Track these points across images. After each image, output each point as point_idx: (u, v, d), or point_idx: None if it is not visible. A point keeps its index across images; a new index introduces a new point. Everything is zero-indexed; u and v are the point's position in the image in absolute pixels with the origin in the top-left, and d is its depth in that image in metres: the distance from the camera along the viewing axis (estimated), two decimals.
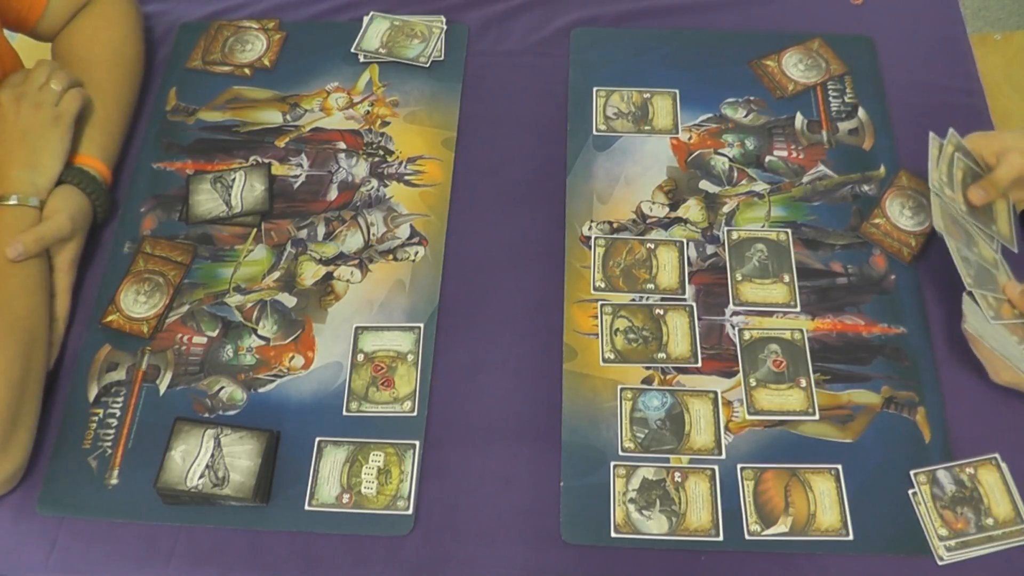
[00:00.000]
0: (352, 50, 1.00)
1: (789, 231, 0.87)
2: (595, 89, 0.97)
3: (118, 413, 0.79)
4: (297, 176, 0.92)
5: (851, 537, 0.72)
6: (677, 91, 0.96)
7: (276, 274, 0.86)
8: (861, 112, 0.94)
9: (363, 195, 0.91)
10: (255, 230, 0.89)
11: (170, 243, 0.88)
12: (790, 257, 0.85)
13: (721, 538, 0.72)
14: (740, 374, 0.79)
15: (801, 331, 0.81)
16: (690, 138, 0.93)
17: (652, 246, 0.86)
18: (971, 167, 0.81)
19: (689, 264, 0.85)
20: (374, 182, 0.91)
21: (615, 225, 0.88)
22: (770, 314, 0.83)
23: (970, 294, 0.75)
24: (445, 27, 1.01)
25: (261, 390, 0.80)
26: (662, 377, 0.79)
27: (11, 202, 0.79)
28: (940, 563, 0.70)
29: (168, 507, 0.74)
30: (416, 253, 0.87)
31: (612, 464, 0.75)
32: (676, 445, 0.76)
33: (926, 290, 0.83)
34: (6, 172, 0.80)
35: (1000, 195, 0.81)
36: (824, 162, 0.91)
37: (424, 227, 0.88)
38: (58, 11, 0.92)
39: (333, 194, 0.91)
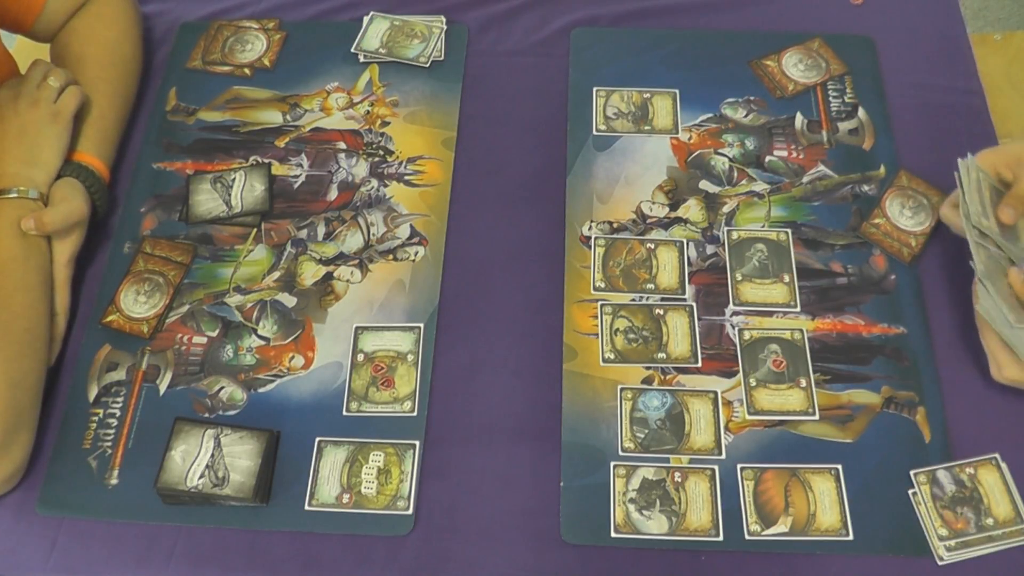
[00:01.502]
0: (352, 50, 1.00)
1: (789, 231, 0.87)
2: (595, 89, 0.97)
3: (118, 413, 0.79)
4: (297, 176, 0.92)
5: (851, 537, 0.72)
6: (677, 91, 0.96)
7: (276, 274, 0.86)
8: (861, 112, 0.94)
9: (363, 195, 0.91)
10: (255, 230, 0.89)
11: (170, 243, 0.88)
12: (790, 257, 0.85)
13: (721, 538, 0.72)
14: (740, 374, 0.79)
15: (801, 331, 0.81)
16: (690, 138, 0.93)
17: (652, 246, 0.86)
18: (993, 185, 0.80)
19: (689, 264, 0.85)
20: (374, 182, 0.91)
21: (615, 225, 0.88)
22: (770, 314, 0.83)
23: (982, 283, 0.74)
24: (445, 27, 1.01)
25: (261, 390, 0.80)
26: (662, 377, 0.79)
27: (11, 195, 0.79)
28: (940, 563, 0.70)
29: (168, 507, 0.74)
30: (416, 253, 0.87)
31: (612, 464, 0.75)
32: (676, 445, 0.76)
33: (926, 290, 0.83)
34: (4, 168, 0.81)
35: None
36: (824, 162, 0.91)
37: (424, 227, 0.88)
38: (56, 11, 0.92)
39: (333, 194, 0.91)
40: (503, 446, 0.77)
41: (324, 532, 0.73)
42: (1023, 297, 0.73)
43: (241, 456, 0.74)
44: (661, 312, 0.83)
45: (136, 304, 0.84)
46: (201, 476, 0.73)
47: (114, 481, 0.76)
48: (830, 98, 0.95)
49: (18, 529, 0.75)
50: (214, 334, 0.83)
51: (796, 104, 0.95)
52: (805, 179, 0.90)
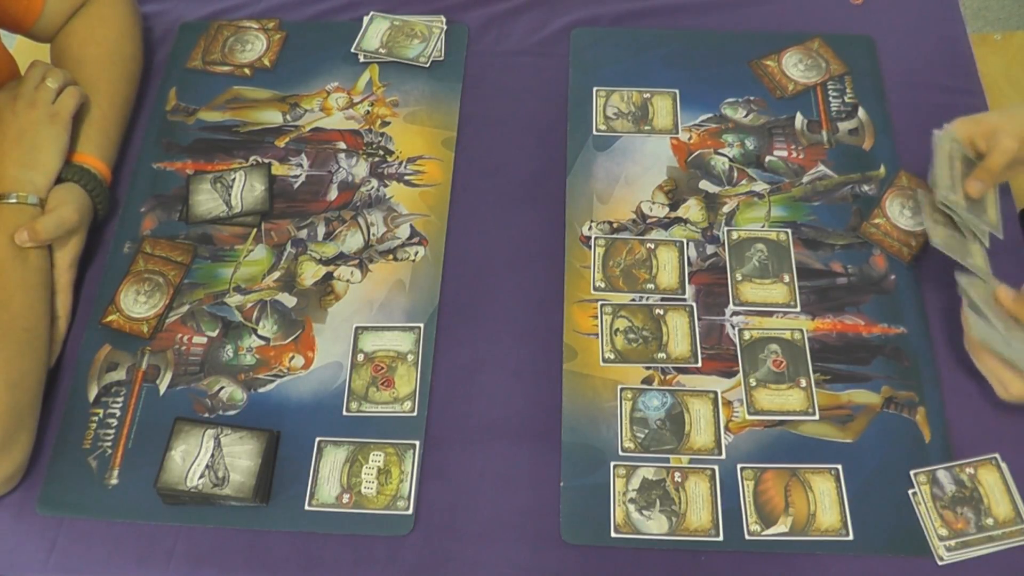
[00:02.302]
0: (352, 50, 1.00)
1: (789, 231, 0.87)
2: (595, 89, 0.97)
3: (118, 413, 0.79)
4: (297, 176, 0.92)
5: (851, 537, 0.72)
6: (677, 91, 0.96)
7: (276, 274, 0.86)
8: (861, 112, 0.94)
9: (363, 195, 0.91)
10: (255, 230, 0.89)
11: (170, 243, 0.88)
12: (790, 257, 0.85)
13: (721, 538, 0.72)
14: (740, 374, 0.79)
15: (801, 331, 0.81)
16: (690, 138, 0.93)
17: (652, 246, 0.86)
18: (966, 156, 0.80)
19: (689, 264, 0.85)
20: (374, 182, 0.91)
21: (615, 225, 0.88)
22: (770, 314, 0.83)
23: (972, 308, 0.74)
24: (445, 27, 1.01)
25: (261, 390, 0.80)
26: (662, 377, 0.79)
27: (11, 201, 0.79)
28: (940, 563, 0.70)
29: (168, 507, 0.74)
30: (416, 253, 0.87)
31: (612, 464, 0.75)
32: (676, 445, 0.76)
33: (926, 290, 0.83)
34: (4, 171, 0.80)
35: (995, 182, 0.80)
36: (824, 162, 0.91)
37: (424, 227, 0.88)
38: (55, 12, 0.92)
39: (333, 194, 0.91)
40: (503, 446, 0.77)
41: (324, 532, 0.73)
42: (1013, 312, 0.73)
43: (241, 456, 0.74)
44: (661, 312, 0.83)
45: (136, 304, 0.84)
46: (201, 476, 0.73)
47: (114, 481, 0.76)
48: (830, 98, 0.95)
49: (18, 529, 0.75)
50: (214, 334, 0.83)
51: (796, 104, 0.95)
52: (805, 179, 0.90)
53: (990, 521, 0.71)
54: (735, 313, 0.83)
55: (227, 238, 0.88)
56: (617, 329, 0.82)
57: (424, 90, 0.98)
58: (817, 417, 0.77)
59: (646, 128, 0.94)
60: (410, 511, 0.74)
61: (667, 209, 0.89)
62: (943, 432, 0.76)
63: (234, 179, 0.91)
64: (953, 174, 0.78)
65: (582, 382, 0.79)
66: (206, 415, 0.78)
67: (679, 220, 0.88)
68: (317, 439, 0.77)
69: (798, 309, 0.83)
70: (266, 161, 0.93)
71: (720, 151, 0.92)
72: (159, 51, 1.03)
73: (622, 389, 0.79)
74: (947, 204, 0.78)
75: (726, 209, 0.89)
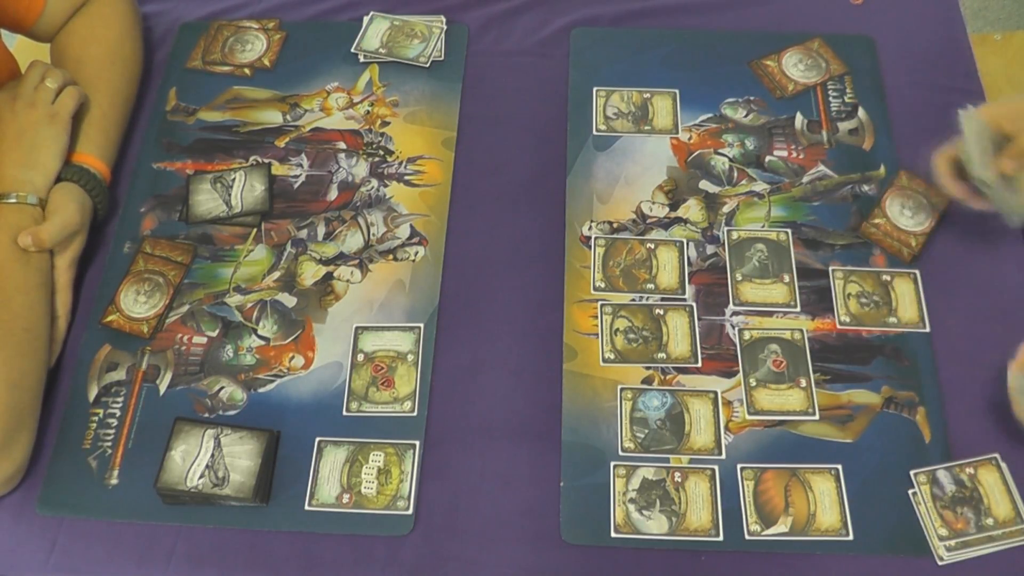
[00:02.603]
0: (352, 50, 1.00)
1: (789, 231, 0.87)
2: (595, 89, 0.97)
3: (118, 413, 0.79)
4: (297, 176, 0.92)
5: (851, 537, 0.72)
6: (677, 91, 0.96)
7: (276, 274, 0.86)
8: (861, 112, 0.94)
9: (363, 195, 0.91)
10: (255, 230, 0.89)
11: (170, 243, 0.88)
12: (790, 257, 0.85)
13: (721, 538, 0.72)
14: (740, 374, 0.79)
15: (801, 331, 0.81)
16: (690, 138, 0.93)
17: (652, 246, 0.86)
18: (994, 137, 0.80)
19: (689, 264, 0.85)
20: (374, 182, 0.91)
21: (615, 225, 0.88)
22: (770, 314, 0.83)
23: None
24: (445, 27, 1.01)
25: (261, 390, 0.80)
26: (662, 377, 0.79)
27: (10, 200, 0.79)
28: (940, 563, 0.70)
29: (168, 507, 0.74)
30: (416, 253, 0.87)
31: (612, 464, 0.75)
32: (676, 445, 0.76)
33: (926, 290, 0.83)
34: (4, 171, 0.81)
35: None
36: (824, 162, 0.91)
37: (424, 227, 0.88)
38: (56, 11, 0.92)
39: (333, 194, 0.91)
40: (503, 446, 0.77)
41: (324, 532, 0.73)
42: None
43: (241, 456, 0.74)
44: (661, 312, 0.83)
45: (136, 304, 0.84)
46: (201, 476, 0.73)
47: (114, 481, 0.76)
48: (830, 98, 0.95)
49: (18, 529, 0.75)
50: (214, 334, 0.83)
51: (796, 104, 0.95)
52: (805, 179, 0.90)
53: (990, 521, 0.71)
54: (735, 313, 0.83)
55: (227, 238, 0.88)
56: (617, 329, 0.82)
57: (424, 90, 0.98)
58: (817, 417, 0.77)
59: (646, 128, 0.94)
60: (410, 511, 0.74)
61: (667, 209, 0.89)
62: (943, 432, 0.76)
63: (234, 179, 0.91)
64: (983, 151, 0.78)
65: (582, 382, 0.79)
66: (206, 415, 0.78)
67: (679, 220, 0.88)
68: (317, 439, 0.77)
69: (798, 309, 0.83)
70: (266, 161, 0.93)
71: (720, 151, 0.92)
72: (159, 51, 1.03)
73: (622, 389, 0.79)
74: (982, 180, 0.78)
75: (726, 209, 0.89)
